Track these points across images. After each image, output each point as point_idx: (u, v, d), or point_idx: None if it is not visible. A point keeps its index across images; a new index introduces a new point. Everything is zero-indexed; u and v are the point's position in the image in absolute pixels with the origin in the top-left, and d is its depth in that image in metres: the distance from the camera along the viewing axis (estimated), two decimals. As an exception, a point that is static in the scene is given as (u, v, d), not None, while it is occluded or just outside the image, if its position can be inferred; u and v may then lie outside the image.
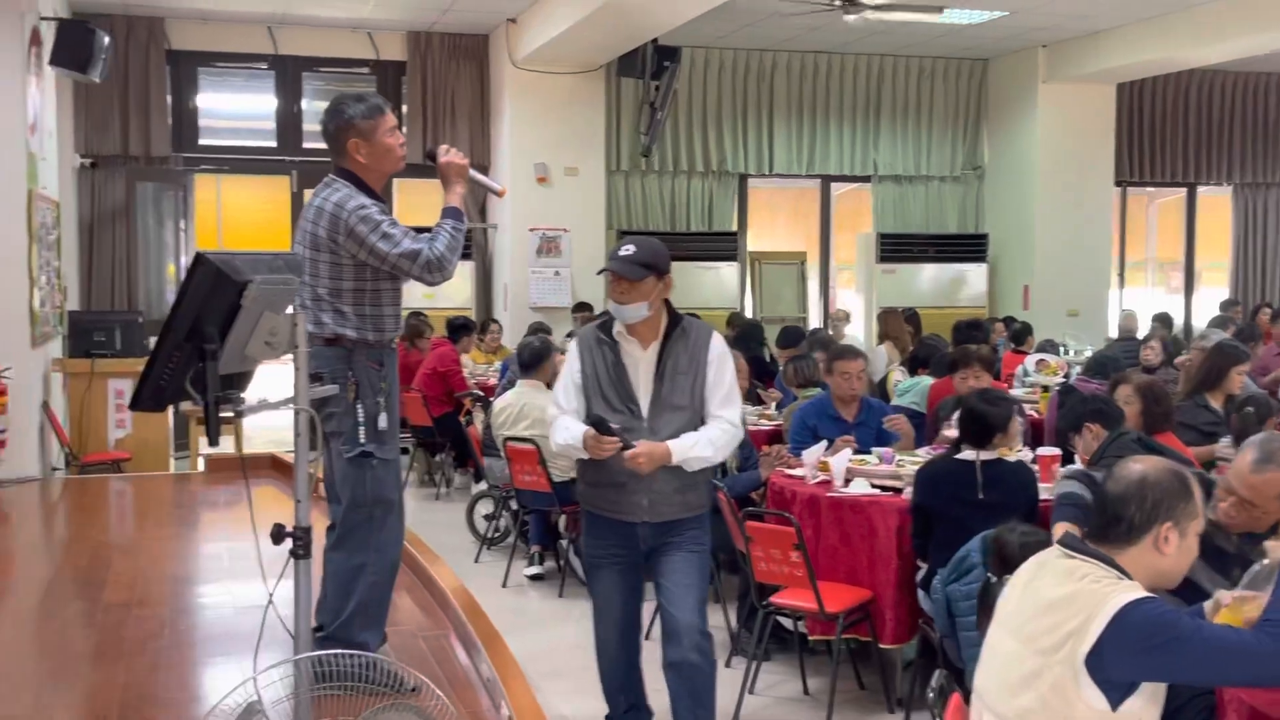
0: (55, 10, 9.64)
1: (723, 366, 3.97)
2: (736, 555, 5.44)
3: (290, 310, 3.38)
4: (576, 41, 10.78)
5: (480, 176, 4.43)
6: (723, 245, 12.98)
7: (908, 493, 5.13)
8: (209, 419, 3.06)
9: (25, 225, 8.16)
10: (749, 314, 13.01)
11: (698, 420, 3.92)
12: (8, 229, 8.09)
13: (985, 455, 4.80)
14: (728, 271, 12.95)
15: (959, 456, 4.86)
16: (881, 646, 5.08)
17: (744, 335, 9.48)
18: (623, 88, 12.62)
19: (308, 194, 4.29)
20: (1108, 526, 2.75)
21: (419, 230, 4.18)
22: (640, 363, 3.92)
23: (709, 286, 12.75)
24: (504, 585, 6.97)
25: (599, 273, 4.07)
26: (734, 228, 13.41)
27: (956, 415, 6.13)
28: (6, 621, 5.31)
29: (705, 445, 3.88)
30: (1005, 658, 2.74)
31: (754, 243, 13.82)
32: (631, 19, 10.02)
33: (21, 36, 8.14)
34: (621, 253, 3.87)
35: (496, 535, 7.86)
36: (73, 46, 8.80)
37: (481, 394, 9.40)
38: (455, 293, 11.95)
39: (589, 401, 3.92)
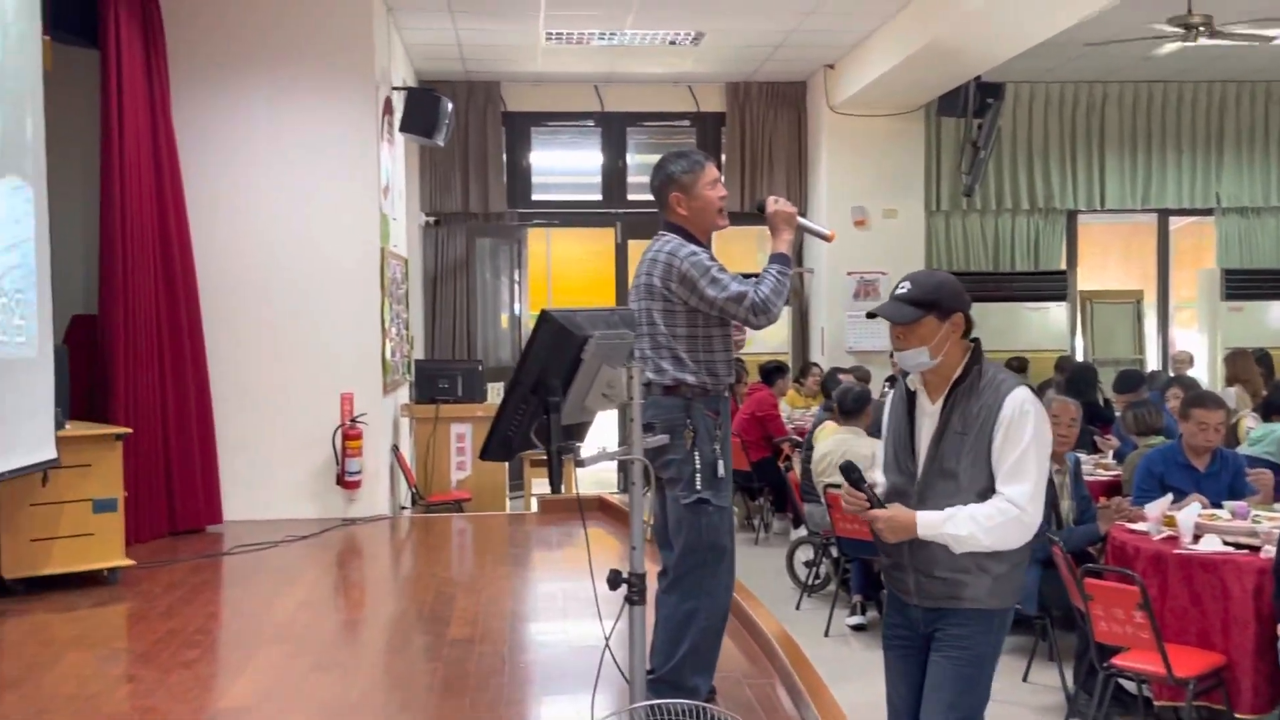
0: (404, 80, 10.41)
1: (1015, 430, 3.21)
2: (1073, 612, 5.20)
3: (626, 364, 3.50)
4: (895, 83, 10.70)
5: (808, 223, 4.49)
6: (1051, 284, 12.54)
7: (1266, 551, 4.76)
8: (552, 468, 3.21)
9: (379, 281, 8.82)
10: (1080, 356, 12.48)
11: (977, 493, 3.24)
12: (364, 285, 8.77)
13: (1361, 514, 4.39)
14: (1056, 312, 12.50)
15: (1330, 515, 4.46)
16: (1238, 716, 4.73)
17: (1075, 379, 9.07)
18: (942, 127, 12.41)
19: (631, 244, 4.46)
20: None
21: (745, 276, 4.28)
22: (926, 418, 3.36)
23: (1036, 328, 12.35)
24: (826, 634, 6.92)
25: (869, 315, 3.48)
26: (1063, 266, 12.90)
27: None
28: (361, 653, 5.68)
29: (964, 522, 3.19)
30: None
31: (1084, 281, 13.25)
32: (953, 59, 9.86)
33: (376, 107, 8.82)
34: (896, 291, 3.35)
35: (817, 582, 7.82)
36: (420, 113, 9.46)
37: (800, 439, 9.39)
38: (772, 336, 12.02)
39: (885, 460, 3.49)
